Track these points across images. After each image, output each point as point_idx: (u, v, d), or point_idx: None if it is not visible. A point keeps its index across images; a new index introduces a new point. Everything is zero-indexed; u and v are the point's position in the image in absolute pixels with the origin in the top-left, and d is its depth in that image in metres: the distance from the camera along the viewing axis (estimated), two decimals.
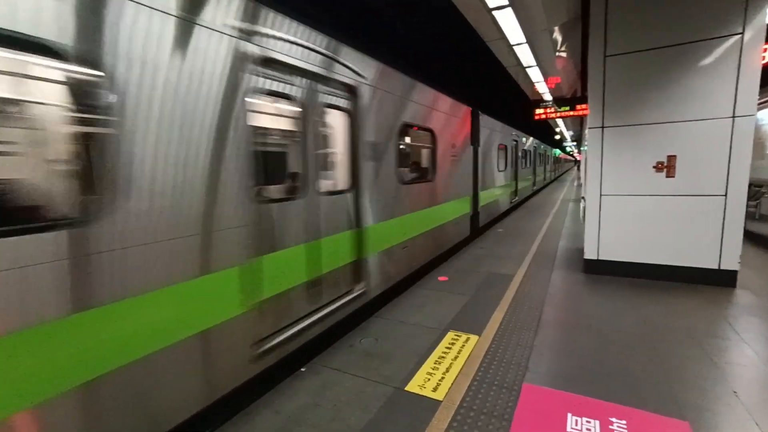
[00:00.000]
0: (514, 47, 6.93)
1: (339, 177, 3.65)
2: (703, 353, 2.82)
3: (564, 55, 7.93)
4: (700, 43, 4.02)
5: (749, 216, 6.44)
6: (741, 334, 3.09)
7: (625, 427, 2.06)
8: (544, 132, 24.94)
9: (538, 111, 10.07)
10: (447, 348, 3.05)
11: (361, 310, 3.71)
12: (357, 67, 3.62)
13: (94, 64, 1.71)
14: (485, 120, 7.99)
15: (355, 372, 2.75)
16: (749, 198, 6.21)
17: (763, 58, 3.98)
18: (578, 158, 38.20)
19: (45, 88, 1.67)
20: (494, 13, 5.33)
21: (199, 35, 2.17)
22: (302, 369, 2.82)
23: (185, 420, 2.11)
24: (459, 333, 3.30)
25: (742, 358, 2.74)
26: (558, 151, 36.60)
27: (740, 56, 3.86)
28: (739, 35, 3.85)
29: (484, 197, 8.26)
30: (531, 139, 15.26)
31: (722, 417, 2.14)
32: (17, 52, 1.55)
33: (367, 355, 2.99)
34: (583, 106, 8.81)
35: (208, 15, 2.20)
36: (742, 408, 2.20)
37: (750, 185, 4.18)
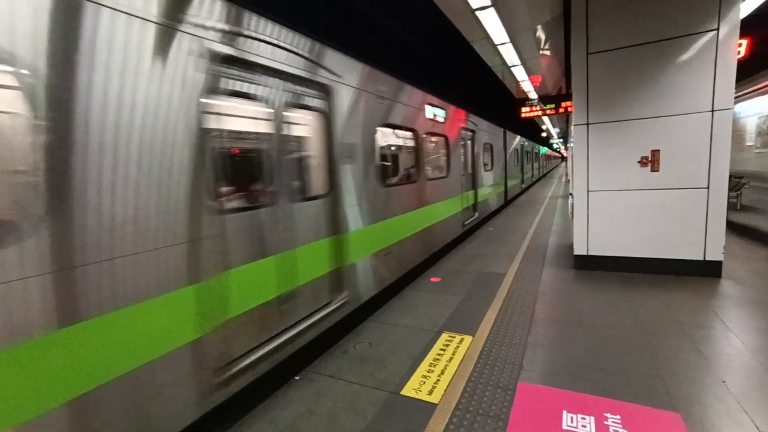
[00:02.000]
0: (498, 47, 6.99)
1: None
2: (692, 344, 2.87)
3: (548, 53, 8.03)
4: (678, 39, 4.11)
5: (731, 207, 6.60)
6: (727, 324, 3.15)
7: (619, 421, 2.08)
8: (531, 129, 25.23)
9: (525, 109, 10.19)
10: (441, 350, 3.04)
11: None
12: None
13: None
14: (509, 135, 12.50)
15: (350, 378, 2.73)
16: (730, 189, 6.36)
17: (738, 53, 4.08)
18: (565, 155, 38.77)
19: None
20: (477, 13, 5.36)
21: None
22: (296, 377, 2.79)
23: None
24: (453, 334, 3.30)
25: (729, 348, 2.80)
26: (545, 149, 37.05)
27: (716, 51, 3.96)
28: (715, 31, 3.94)
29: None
30: (519, 138, 15.51)
31: (712, 407, 2.18)
32: None
33: (362, 361, 2.96)
34: (568, 103, 8.94)
35: None
36: (731, 397, 2.24)
37: (731, 177, 4.28)
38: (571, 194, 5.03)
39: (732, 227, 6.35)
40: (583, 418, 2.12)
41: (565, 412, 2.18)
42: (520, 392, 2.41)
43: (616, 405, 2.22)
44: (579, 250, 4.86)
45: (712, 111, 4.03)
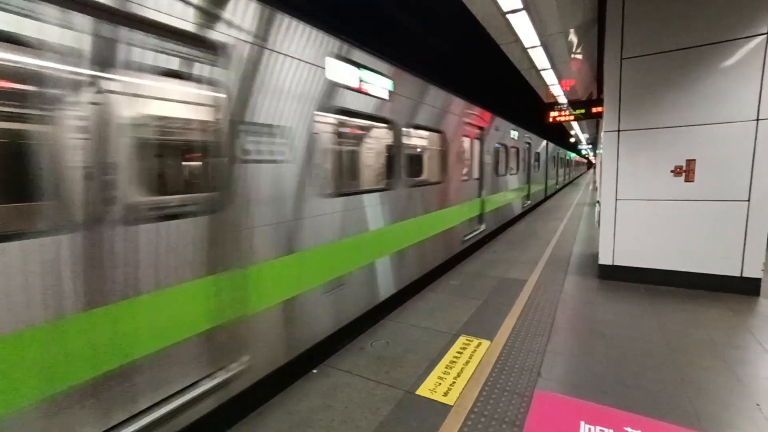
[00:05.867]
0: (528, 50, 6.87)
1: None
2: (725, 364, 2.73)
3: (580, 57, 7.81)
4: (721, 44, 3.92)
5: None
6: (765, 345, 2.98)
7: None
8: (559, 134, 24.54)
9: (553, 113, 9.93)
10: (458, 353, 3.03)
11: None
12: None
13: None
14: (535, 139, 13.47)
15: (366, 375, 2.77)
16: None
17: None
18: (593, 161, 37.47)
19: None
20: (508, 16, 5.30)
21: None
22: (314, 371, 2.85)
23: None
24: (471, 338, 3.28)
25: (766, 371, 2.65)
26: (573, 154, 35.97)
27: (765, 57, 3.75)
28: (764, 36, 3.74)
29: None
30: (545, 143, 15.23)
31: (744, 431, 2.07)
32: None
33: (378, 358, 3.00)
34: (599, 108, 8.66)
35: None
36: (765, 422, 2.13)
37: None
38: (598, 202, 4.89)
39: None
40: (601, 431, 2.07)
41: (582, 422, 2.14)
42: (537, 400, 2.38)
43: (637, 420, 2.15)
44: (604, 259, 4.71)
45: (757, 120, 3.82)
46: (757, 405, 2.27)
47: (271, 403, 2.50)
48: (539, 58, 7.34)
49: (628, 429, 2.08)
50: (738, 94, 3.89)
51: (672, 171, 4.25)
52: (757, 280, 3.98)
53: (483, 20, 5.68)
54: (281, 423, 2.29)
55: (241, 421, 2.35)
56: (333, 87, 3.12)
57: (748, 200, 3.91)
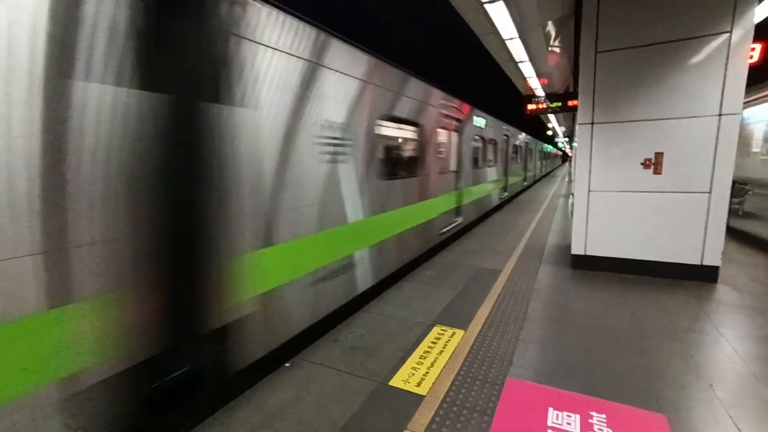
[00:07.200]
0: (506, 42, 6.89)
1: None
2: (684, 349, 2.87)
3: (557, 50, 7.91)
4: (689, 40, 4.03)
5: (733, 213, 6.56)
6: (720, 330, 3.15)
7: (604, 420, 2.09)
8: (537, 127, 25.03)
9: (530, 106, 10.06)
10: (432, 343, 3.05)
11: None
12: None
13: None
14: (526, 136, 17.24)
15: (340, 367, 2.75)
16: (733, 195, 6.31)
17: (751, 57, 4.00)
18: (570, 154, 38.51)
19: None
20: (486, 6, 5.28)
21: None
22: (286, 364, 2.81)
23: None
24: (445, 327, 3.31)
25: (720, 354, 2.80)
26: (550, 147, 36.80)
27: (728, 55, 3.88)
28: (728, 34, 3.86)
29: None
30: (524, 135, 15.76)
31: (698, 411, 2.18)
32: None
33: (353, 350, 2.98)
34: (575, 101, 8.83)
35: None
36: (717, 402, 2.25)
37: (734, 183, 4.24)
38: (572, 194, 5.01)
39: (733, 233, 6.31)
40: (568, 416, 2.13)
41: (551, 408, 2.19)
42: (508, 388, 2.42)
43: (602, 404, 2.23)
44: (577, 249, 4.84)
45: (720, 115, 3.97)
46: (711, 386, 2.40)
47: (240, 397, 2.44)
48: (517, 50, 7.38)
49: (593, 413, 2.16)
50: (703, 89, 4.02)
51: (642, 163, 4.38)
52: (716, 268, 4.19)
53: (460, 10, 5.64)
54: (251, 417, 2.25)
55: (210, 416, 2.29)
56: (477, 128, 8.01)
57: (710, 192, 4.09)
